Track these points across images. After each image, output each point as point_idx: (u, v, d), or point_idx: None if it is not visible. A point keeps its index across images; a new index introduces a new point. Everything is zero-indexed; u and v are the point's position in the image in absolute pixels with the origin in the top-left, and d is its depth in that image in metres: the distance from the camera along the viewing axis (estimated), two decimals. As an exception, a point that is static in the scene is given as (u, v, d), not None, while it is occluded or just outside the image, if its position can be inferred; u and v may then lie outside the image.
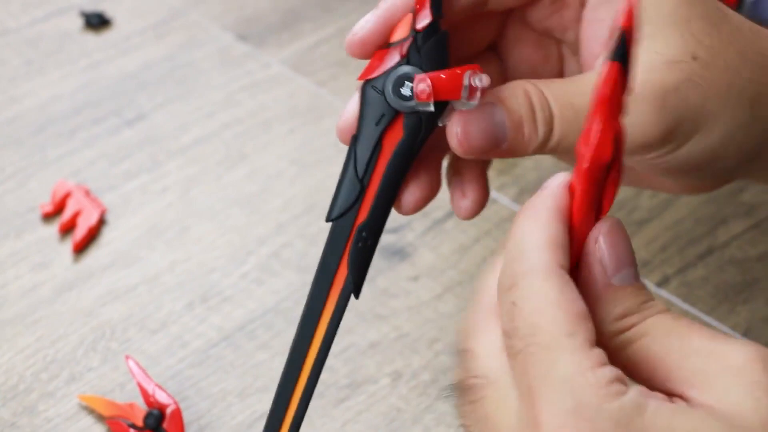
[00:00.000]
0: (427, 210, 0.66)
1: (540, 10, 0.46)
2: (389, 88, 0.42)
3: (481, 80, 0.41)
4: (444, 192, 0.68)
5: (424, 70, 0.41)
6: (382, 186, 0.43)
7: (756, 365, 0.33)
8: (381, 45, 0.43)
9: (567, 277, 0.35)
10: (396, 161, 0.43)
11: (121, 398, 0.56)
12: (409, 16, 0.42)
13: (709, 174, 0.45)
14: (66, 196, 0.66)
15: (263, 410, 0.56)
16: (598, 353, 0.33)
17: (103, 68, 0.77)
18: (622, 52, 0.34)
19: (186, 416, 0.55)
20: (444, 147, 0.44)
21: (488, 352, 0.36)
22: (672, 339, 0.35)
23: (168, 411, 0.55)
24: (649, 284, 0.62)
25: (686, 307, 0.61)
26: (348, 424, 0.55)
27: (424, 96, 0.41)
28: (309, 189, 0.68)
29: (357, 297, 0.44)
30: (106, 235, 0.65)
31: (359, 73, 0.78)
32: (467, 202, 0.46)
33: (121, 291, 0.62)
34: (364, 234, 0.43)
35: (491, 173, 0.68)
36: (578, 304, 0.34)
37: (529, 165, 0.69)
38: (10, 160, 0.70)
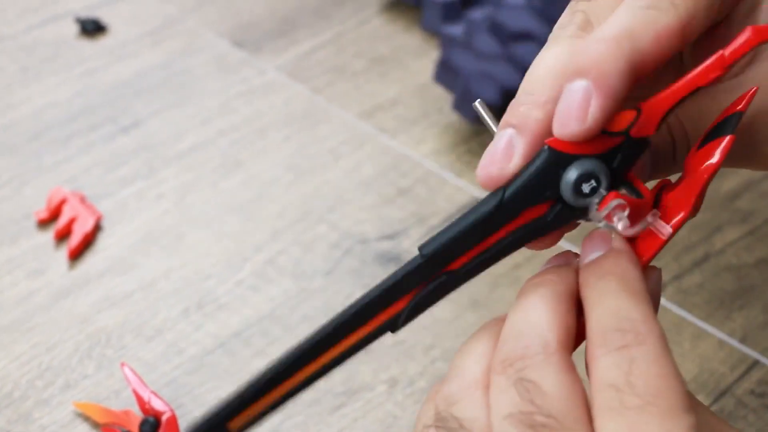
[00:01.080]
0: (424, 216, 0.66)
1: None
2: (572, 175, 0.38)
3: (661, 230, 0.39)
4: (439, 196, 0.68)
5: (614, 181, 0.39)
6: (493, 251, 0.39)
7: None
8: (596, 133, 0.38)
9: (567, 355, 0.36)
10: (522, 236, 0.39)
11: (116, 405, 0.56)
12: (628, 113, 0.38)
13: None
14: (61, 203, 0.66)
15: (259, 417, 0.56)
16: None
17: (99, 75, 0.77)
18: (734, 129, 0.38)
19: (182, 423, 0.55)
20: None
21: (560, 392, 0.35)
22: None
23: (164, 418, 0.55)
24: (645, 291, 0.62)
25: (682, 313, 0.61)
26: (344, 431, 0.55)
27: (614, 221, 0.38)
28: (305, 196, 0.68)
29: (394, 332, 0.40)
30: (102, 241, 0.65)
31: (355, 80, 0.78)
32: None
33: (116, 298, 0.62)
34: (445, 280, 0.39)
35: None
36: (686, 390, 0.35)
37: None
38: (5, 166, 0.70)
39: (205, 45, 0.80)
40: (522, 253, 0.64)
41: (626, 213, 0.38)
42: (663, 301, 0.61)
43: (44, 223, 0.66)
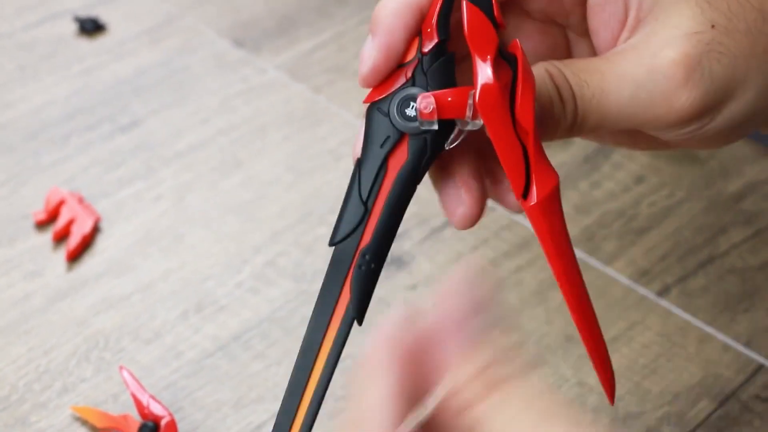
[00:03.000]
0: (425, 218, 0.66)
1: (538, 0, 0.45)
2: (394, 110, 0.42)
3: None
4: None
5: (430, 91, 0.41)
6: (386, 208, 0.42)
7: None
8: (392, 70, 0.43)
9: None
10: (400, 183, 0.42)
11: (114, 409, 0.56)
12: (416, 39, 0.42)
13: (741, 135, 0.44)
14: (60, 204, 0.65)
15: (259, 421, 0.55)
16: None
17: (97, 74, 0.76)
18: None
19: (181, 428, 0.55)
20: (474, 151, 0.43)
21: None
22: None
23: (163, 423, 0.54)
24: (649, 294, 0.61)
25: (687, 317, 0.60)
26: (345, 435, 0.55)
27: (427, 113, 0.41)
28: (305, 196, 0.68)
29: (360, 323, 0.42)
30: (100, 242, 0.64)
31: (356, 79, 0.77)
32: (463, 208, 0.44)
33: (114, 300, 0.61)
34: (367, 257, 0.42)
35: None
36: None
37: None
38: (2, 166, 0.69)
39: (204, 43, 0.79)
40: (524, 257, 0.63)
41: (432, 101, 0.41)
42: (667, 304, 0.61)
43: (42, 224, 0.65)
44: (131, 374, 0.56)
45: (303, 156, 0.70)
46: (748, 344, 0.59)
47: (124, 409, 0.56)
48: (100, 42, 0.79)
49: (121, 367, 0.56)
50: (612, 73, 0.42)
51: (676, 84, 0.40)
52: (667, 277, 0.62)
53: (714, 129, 0.42)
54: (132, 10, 0.82)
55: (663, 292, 0.61)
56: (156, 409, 0.54)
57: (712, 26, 0.41)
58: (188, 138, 0.72)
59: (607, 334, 0.47)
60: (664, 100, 0.41)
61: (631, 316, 0.60)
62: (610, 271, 0.62)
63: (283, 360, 0.58)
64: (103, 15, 0.81)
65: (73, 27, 0.80)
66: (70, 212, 0.65)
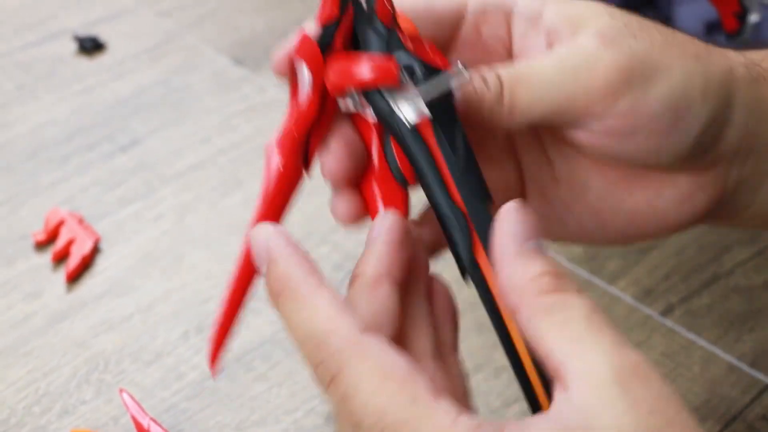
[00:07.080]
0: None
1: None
2: (408, 81, 0.40)
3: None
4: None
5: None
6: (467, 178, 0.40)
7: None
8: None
9: (376, 338, 0.35)
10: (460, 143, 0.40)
11: (114, 432, 0.55)
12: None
13: (697, 158, 0.43)
14: (59, 224, 0.65)
15: (260, 444, 0.55)
16: (446, 404, 0.33)
17: (97, 93, 0.76)
18: None
19: (181, 451, 0.54)
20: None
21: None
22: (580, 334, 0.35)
23: (163, 446, 0.54)
24: (653, 313, 0.61)
25: (691, 336, 0.59)
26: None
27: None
28: (306, 216, 0.67)
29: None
30: (100, 263, 0.64)
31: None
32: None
33: (115, 321, 0.61)
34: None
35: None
36: (401, 366, 0.34)
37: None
38: (1, 187, 0.69)
39: (204, 62, 0.79)
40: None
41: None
42: (671, 323, 0.60)
43: (42, 245, 0.65)
44: (131, 397, 0.55)
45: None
46: (753, 364, 0.58)
47: (125, 432, 0.55)
48: (99, 61, 0.79)
49: (121, 390, 0.56)
50: (535, 53, 0.43)
51: (597, 47, 0.41)
52: (671, 296, 0.62)
53: (648, 110, 0.41)
54: (132, 29, 0.82)
55: (667, 312, 0.61)
56: (157, 432, 0.54)
57: (625, 25, 0.42)
58: (188, 157, 0.71)
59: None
60: (589, 66, 0.41)
61: (635, 336, 0.59)
62: (613, 290, 0.62)
63: (285, 381, 0.58)
64: (102, 34, 0.81)
65: (73, 46, 0.80)
66: (70, 233, 0.64)
